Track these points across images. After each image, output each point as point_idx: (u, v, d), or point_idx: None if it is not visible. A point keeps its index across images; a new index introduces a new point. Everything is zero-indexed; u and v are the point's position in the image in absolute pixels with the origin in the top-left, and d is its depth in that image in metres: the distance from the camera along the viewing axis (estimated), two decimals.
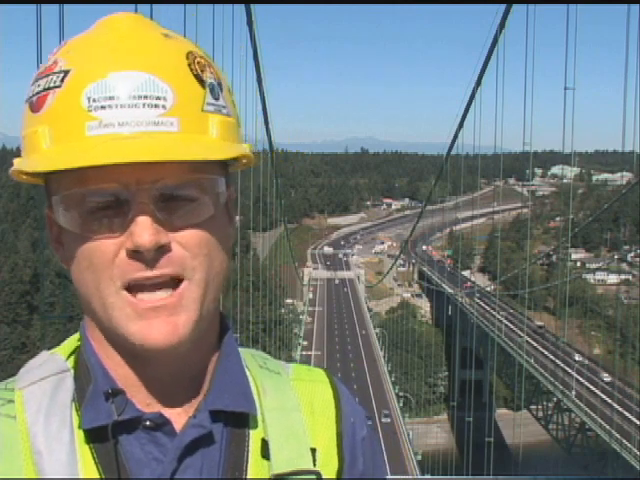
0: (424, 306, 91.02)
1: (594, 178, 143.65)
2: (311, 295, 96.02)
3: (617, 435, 38.53)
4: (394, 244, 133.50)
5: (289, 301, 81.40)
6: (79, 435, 0.78)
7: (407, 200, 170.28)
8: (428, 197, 72.61)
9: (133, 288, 0.75)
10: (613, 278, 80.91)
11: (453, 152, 53.45)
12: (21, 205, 76.58)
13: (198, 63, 0.78)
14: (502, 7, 35.89)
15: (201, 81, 0.77)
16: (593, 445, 47.23)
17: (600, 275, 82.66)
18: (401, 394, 59.91)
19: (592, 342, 68.23)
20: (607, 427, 39.98)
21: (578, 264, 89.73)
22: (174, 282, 0.75)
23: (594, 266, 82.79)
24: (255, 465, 0.83)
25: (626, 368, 56.04)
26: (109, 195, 0.74)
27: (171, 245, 0.75)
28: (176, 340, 0.75)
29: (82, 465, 0.77)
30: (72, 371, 0.82)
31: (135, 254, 0.74)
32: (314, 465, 0.85)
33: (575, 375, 48.07)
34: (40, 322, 51.95)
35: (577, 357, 56.03)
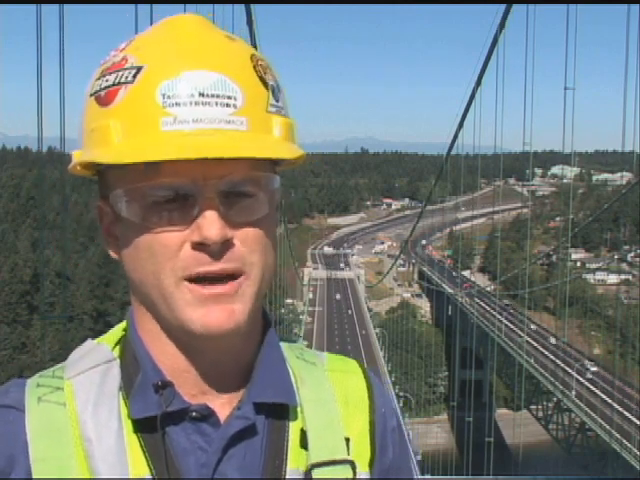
0: (424, 306, 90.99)
1: (594, 178, 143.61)
2: (311, 295, 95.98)
3: (617, 435, 38.51)
4: (394, 244, 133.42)
5: (289, 301, 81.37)
6: (127, 424, 0.80)
7: (407, 200, 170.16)
8: (428, 197, 72.65)
9: (194, 280, 0.77)
10: (613, 278, 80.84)
11: (453, 152, 53.62)
12: (21, 205, 76.52)
13: (261, 65, 0.82)
14: (502, 7, 35.97)
15: (264, 83, 0.81)
16: (593, 445, 47.22)
17: (600, 275, 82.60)
18: (401, 394, 59.86)
19: (592, 342, 68.21)
20: (607, 427, 39.96)
21: (578, 264, 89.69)
22: (231, 276, 0.78)
23: (594, 266, 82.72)
24: (294, 455, 0.85)
25: (626, 368, 56.06)
26: (175, 189, 0.77)
27: (233, 240, 0.77)
28: (233, 326, 0.78)
29: (130, 452, 0.79)
30: (118, 360, 0.85)
31: (201, 247, 0.76)
32: (348, 454, 0.88)
33: (575, 375, 48.08)
34: (40, 322, 51.90)
35: (552, 340, 56.93)
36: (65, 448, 0.79)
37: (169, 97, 0.76)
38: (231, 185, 0.77)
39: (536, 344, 57.29)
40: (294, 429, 0.87)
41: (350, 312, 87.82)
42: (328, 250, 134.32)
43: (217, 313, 0.77)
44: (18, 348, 54.46)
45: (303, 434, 0.87)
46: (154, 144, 0.75)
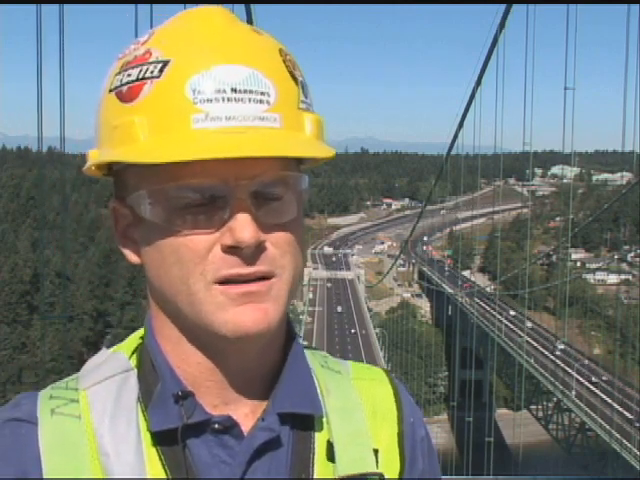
0: (424, 306, 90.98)
1: (594, 178, 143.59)
2: (311, 295, 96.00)
3: (617, 435, 38.53)
4: (394, 244, 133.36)
5: None
6: (146, 437, 0.77)
7: (407, 200, 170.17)
8: (428, 197, 72.67)
9: (224, 283, 0.74)
10: (613, 278, 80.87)
11: (453, 152, 53.70)
12: (21, 205, 76.59)
13: (289, 60, 0.78)
14: (502, 7, 36.01)
15: (294, 78, 0.77)
16: (593, 445, 47.24)
17: (600, 275, 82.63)
18: None
19: (592, 342, 68.22)
20: (607, 427, 39.98)
21: (578, 264, 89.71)
22: (263, 278, 0.75)
23: (594, 266, 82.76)
24: (321, 468, 0.82)
25: (626, 368, 56.10)
26: (203, 190, 0.73)
27: (265, 243, 0.74)
28: (266, 326, 0.75)
29: (150, 467, 0.76)
30: (135, 370, 0.81)
31: (232, 250, 0.73)
32: (377, 466, 0.84)
33: (575, 375, 48.11)
34: (40, 322, 51.94)
35: (529, 324, 59.15)
36: (80, 463, 0.76)
37: (199, 92, 0.72)
38: (261, 186, 0.74)
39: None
40: (320, 441, 0.83)
41: (354, 331, 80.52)
42: (328, 250, 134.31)
43: (250, 312, 0.74)
44: (18, 348, 54.49)
45: (329, 446, 0.83)
46: (185, 142, 0.71)
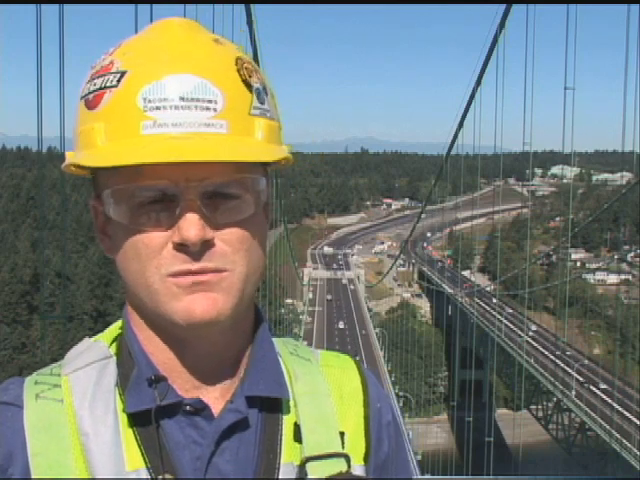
0: (424, 306, 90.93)
1: (594, 178, 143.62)
2: (311, 295, 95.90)
3: (617, 435, 38.50)
4: (394, 244, 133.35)
5: (289, 301, 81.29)
6: (123, 418, 0.83)
7: (407, 200, 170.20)
8: (428, 197, 72.57)
9: (177, 276, 0.80)
10: (613, 278, 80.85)
11: (453, 152, 53.53)
12: (21, 205, 76.51)
13: (246, 69, 0.83)
14: (502, 7, 35.96)
15: (249, 86, 0.82)
16: (593, 445, 47.15)
17: (600, 275, 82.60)
18: (401, 394, 59.87)
19: (592, 342, 68.17)
20: (607, 427, 39.95)
21: (578, 264, 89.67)
22: (214, 272, 0.80)
23: (594, 266, 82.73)
24: (288, 448, 0.86)
25: (626, 368, 56.05)
26: (158, 191, 0.79)
27: (215, 240, 0.79)
28: (215, 315, 0.79)
29: (126, 446, 0.81)
30: (115, 357, 0.87)
31: (181, 247, 0.78)
32: (343, 448, 0.89)
33: (575, 375, 48.08)
34: (40, 322, 51.84)
35: (509, 310, 61.12)
36: (62, 443, 0.81)
37: (150, 101, 0.78)
38: (214, 187, 0.79)
39: (536, 344, 57.46)
40: (288, 423, 0.88)
41: (358, 358, 79.01)
42: (328, 250, 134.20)
43: (200, 301, 0.79)
44: (18, 348, 54.47)
45: (297, 428, 0.87)
46: (134, 148, 0.77)
